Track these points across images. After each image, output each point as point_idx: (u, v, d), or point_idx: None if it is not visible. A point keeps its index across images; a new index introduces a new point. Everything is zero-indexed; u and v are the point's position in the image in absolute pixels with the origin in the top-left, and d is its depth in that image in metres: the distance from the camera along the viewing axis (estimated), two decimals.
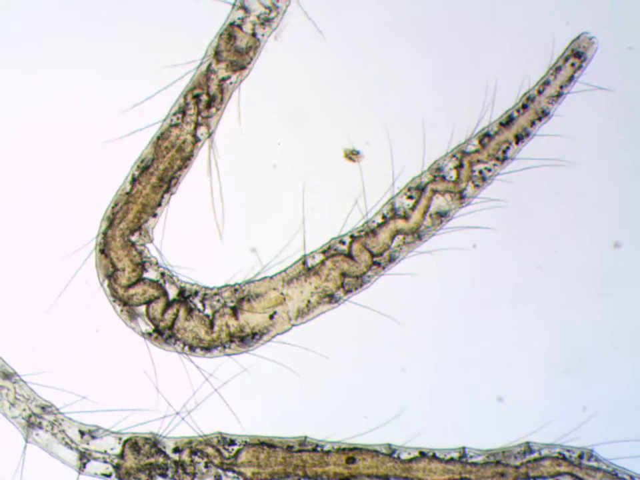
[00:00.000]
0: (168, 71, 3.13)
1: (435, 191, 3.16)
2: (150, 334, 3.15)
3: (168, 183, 3.14)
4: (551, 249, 3.25)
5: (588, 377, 3.25)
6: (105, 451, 3.12)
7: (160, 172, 3.13)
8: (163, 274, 3.16)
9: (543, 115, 3.17)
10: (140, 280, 3.14)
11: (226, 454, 3.12)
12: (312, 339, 3.20)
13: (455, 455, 3.14)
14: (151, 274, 3.16)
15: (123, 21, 3.19)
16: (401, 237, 3.16)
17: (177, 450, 3.13)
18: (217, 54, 3.12)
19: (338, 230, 3.19)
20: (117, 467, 3.12)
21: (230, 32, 3.11)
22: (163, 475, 3.14)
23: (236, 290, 3.18)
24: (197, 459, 3.13)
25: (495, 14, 3.24)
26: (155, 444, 3.12)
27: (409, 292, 3.21)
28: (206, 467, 3.13)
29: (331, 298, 3.18)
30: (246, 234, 3.19)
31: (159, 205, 3.15)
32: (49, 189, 3.20)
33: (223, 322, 3.16)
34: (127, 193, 3.14)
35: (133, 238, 3.14)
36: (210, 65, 3.12)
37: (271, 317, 3.17)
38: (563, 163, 3.19)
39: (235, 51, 3.11)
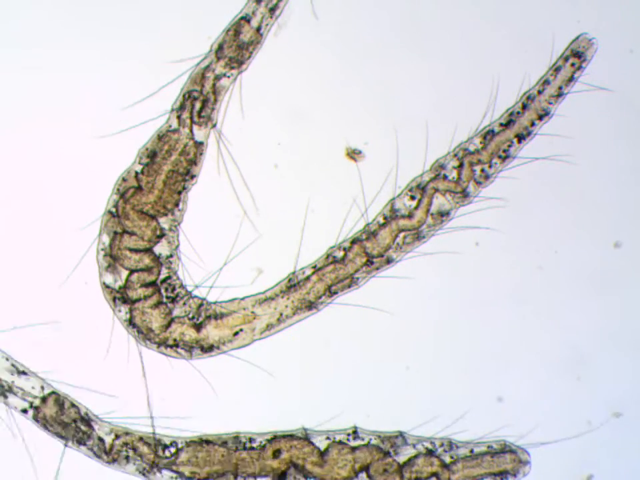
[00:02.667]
0: (171, 66, 3.13)
1: (436, 189, 3.16)
2: (110, 288, 3.13)
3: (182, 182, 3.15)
4: (551, 248, 3.25)
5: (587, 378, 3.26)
6: (29, 392, 3.11)
7: (165, 172, 3.13)
8: (171, 255, 3.15)
9: (544, 114, 3.17)
10: (146, 250, 3.13)
11: (162, 454, 3.11)
12: (308, 340, 3.21)
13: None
14: (162, 248, 3.14)
15: (127, 16, 3.20)
16: (402, 235, 3.16)
17: (110, 433, 3.12)
18: (219, 49, 3.12)
19: (338, 231, 3.19)
20: (35, 409, 3.10)
21: (237, 27, 3.11)
22: (81, 442, 3.12)
23: (201, 305, 3.17)
24: (125, 449, 3.12)
25: (496, 14, 3.25)
26: (79, 413, 3.11)
27: (409, 292, 3.21)
28: (132, 458, 3.12)
29: (311, 305, 3.18)
30: (246, 237, 3.19)
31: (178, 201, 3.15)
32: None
33: (180, 329, 3.15)
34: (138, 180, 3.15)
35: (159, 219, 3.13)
36: (210, 63, 3.13)
37: (235, 334, 3.17)
38: (564, 163, 3.19)
39: (237, 46, 3.11)
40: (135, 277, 3.12)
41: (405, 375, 3.23)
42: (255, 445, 3.13)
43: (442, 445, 3.15)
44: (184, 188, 3.14)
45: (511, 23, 3.25)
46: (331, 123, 3.23)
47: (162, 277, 3.15)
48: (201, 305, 3.17)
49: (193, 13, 3.19)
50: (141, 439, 3.13)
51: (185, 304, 3.16)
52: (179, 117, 3.13)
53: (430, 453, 3.14)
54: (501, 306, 3.24)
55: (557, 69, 3.18)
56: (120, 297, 3.13)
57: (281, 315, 3.18)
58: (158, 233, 3.12)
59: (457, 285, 3.24)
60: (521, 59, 3.22)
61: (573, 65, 3.17)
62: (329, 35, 3.21)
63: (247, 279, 3.19)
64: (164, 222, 3.13)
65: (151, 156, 3.13)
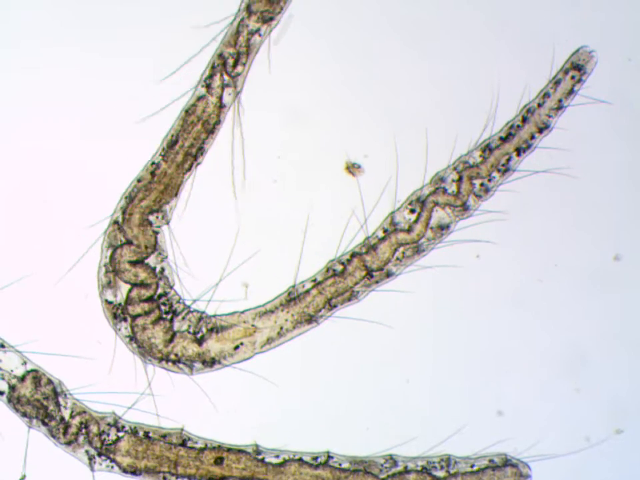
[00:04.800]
0: (201, 32, 3.13)
1: (435, 203, 3.16)
2: (111, 303, 3.13)
3: (194, 157, 3.14)
4: (551, 261, 3.25)
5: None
6: (11, 370, 3.10)
7: (186, 148, 3.14)
8: (163, 269, 3.16)
9: (544, 127, 3.17)
10: (141, 261, 3.13)
11: (106, 438, 3.10)
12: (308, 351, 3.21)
13: (322, 459, 3.14)
14: (152, 261, 3.15)
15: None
16: (402, 249, 3.16)
17: (71, 413, 3.11)
18: (250, 5, 3.12)
19: (337, 245, 3.19)
20: (12, 388, 3.10)
21: None
22: (44, 423, 3.11)
23: (201, 318, 3.17)
24: (83, 429, 3.11)
25: (495, 28, 3.25)
26: (54, 390, 3.10)
27: (409, 305, 3.21)
28: (84, 441, 3.11)
29: (311, 319, 3.18)
30: (245, 251, 3.19)
31: (182, 184, 3.15)
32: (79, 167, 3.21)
33: (182, 343, 3.15)
34: (152, 172, 3.14)
35: (152, 218, 3.14)
36: (242, 19, 3.13)
37: (236, 348, 3.17)
38: (563, 176, 3.19)
39: (267, 1, 3.11)
40: (135, 292, 3.13)
41: (405, 387, 3.23)
42: (196, 446, 3.13)
43: (441, 461, 3.15)
44: (190, 168, 3.14)
45: (510, 36, 3.25)
46: (330, 134, 3.23)
47: (159, 291, 3.15)
48: (200, 319, 3.17)
49: None
50: (96, 421, 3.11)
51: (184, 318, 3.16)
52: (207, 85, 3.13)
53: (424, 470, 3.14)
54: (501, 318, 3.24)
55: (556, 82, 3.18)
56: (121, 312, 3.13)
57: (281, 328, 3.18)
58: (151, 242, 3.13)
59: (456, 298, 3.23)
60: (520, 72, 3.22)
61: (572, 77, 3.17)
62: (329, 49, 3.21)
63: (243, 294, 3.19)
64: (155, 220, 3.14)
65: (173, 140, 3.14)
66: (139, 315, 3.13)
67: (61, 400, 3.11)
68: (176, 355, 3.15)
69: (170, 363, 3.16)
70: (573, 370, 3.24)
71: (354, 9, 3.23)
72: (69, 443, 3.11)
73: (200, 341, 3.16)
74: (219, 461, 3.12)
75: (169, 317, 3.16)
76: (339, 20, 3.23)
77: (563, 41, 3.20)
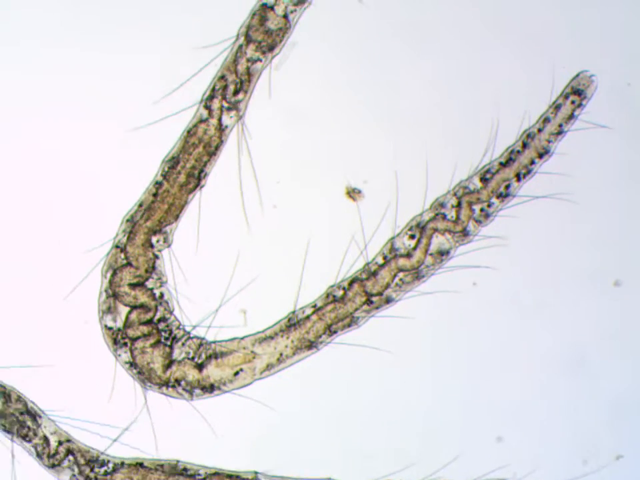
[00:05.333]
0: (200, 52, 3.12)
1: (435, 229, 3.16)
2: (111, 329, 3.13)
3: (197, 179, 3.14)
4: (551, 287, 3.25)
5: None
6: None
7: (188, 169, 3.13)
8: (162, 294, 3.15)
9: (544, 152, 3.17)
10: (141, 285, 3.13)
11: (99, 471, 3.10)
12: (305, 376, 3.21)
13: None
14: (151, 285, 3.15)
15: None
16: (401, 275, 3.16)
17: (58, 441, 3.10)
18: (248, 34, 3.11)
19: (337, 270, 3.18)
20: None
21: (262, 13, 3.11)
22: (25, 438, 3.10)
23: (201, 344, 3.16)
24: (69, 457, 3.11)
25: (495, 53, 3.25)
26: (27, 409, 3.10)
27: (409, 331, 3.21)
28: (69, 467, 3.10)
29: (311, 345, 3.17)
30: (244, 276, 3.19)
31: (185, 205, 3.14)
32: (74, 183, 3.20)
33: (182, 369, 3.15)
34: (154, 194, 3.14)
35: (154, 239, 3.13)
36: (240, 46, 3.12)
37: (236, 374, 3.16)
38: (564, 201, 3.19)
39: (265, 31, 3.10)
40: (134, 314, 3.12)
41: (405, 413, 3.23)
42: (194, 474, 3.12)
43: None
44: (195, 188, 3.14)
45: (510, 60, 3.25)
46: (330, 159, 3.23)
47: (158, 315, 3.14)
48: (200, 345, 3.17)
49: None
50: (82, 451, 3.11)
51: (183, 344, 3.16)
52: (208, 107, 3.13)
53: None
54: (501, 345, 3.24)
55: (557, 107, 3.17)
56: (121, 337, 3.12)
57: (281, 354, 3.17)
58: (150, 264, 3.12)
59: (456, 324, 3.23)
60: (520, 96, 3.22)
61: (573, 102, 3.17)
62: (326, 78, 3.22)
63: (242, 320, 3.18)
64: (156, 243, 3.13)
65: (174, 161, 3.14)
66: (138, 338, 3.12)
67: (37, 419, 3.10)
68: (175, 380, 3.15)
69: (169, 389, 3.16)
70: (575, 407, 3.25)
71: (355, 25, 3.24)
72: (52, 466, 3.10)
73: (200, 367, 3.15)
74: None
75: (169, 342, 3.15)
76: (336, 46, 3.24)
77: (563, 65, 3.20)
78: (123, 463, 3.12)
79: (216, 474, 3.13)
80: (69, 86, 3.18)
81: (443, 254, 3.17)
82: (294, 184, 3.22)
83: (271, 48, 3.12)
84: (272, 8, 3.12)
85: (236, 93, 3.12)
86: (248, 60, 3.12)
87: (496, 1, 3.24)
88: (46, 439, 3.10)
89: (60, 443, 3.10)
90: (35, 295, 3.16)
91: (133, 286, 3.13)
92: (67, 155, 3.20)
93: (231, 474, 3.14)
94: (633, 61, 3.26)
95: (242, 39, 3.12)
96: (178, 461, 3.14)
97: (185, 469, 3.12)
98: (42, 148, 3.20)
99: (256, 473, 3.16)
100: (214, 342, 3.17)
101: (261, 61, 3.13)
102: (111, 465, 3.11)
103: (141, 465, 3.12)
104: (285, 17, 3.12)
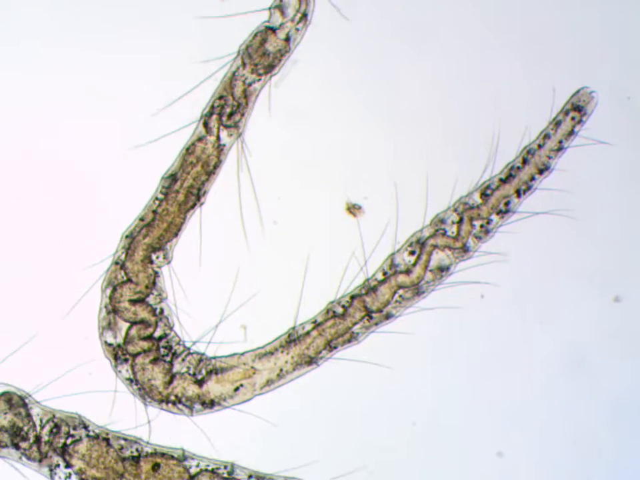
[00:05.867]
0: (200, 53, 3.13)
1: (435, 246, 3.16)
2: (111, 345, 3.13)
3: (196, 197, 3.14)
4: (552, 303, 3.25)
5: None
6: None
7: (186, 188, 3.14)
8: (162, 310, 3.16)
9: (544, 168, 3.17)
10: (141, 300, 3.14)
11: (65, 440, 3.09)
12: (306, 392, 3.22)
13: None
14: (151, 301, 3.15)
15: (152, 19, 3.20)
16: (401, 291, 3.16)
17: (41, 423, 3.10)
18: (247, 55, 3.12)
19: (337, 286, 3.19)
20: None
21: (263, 35, 3.12)
22: (16, 446, 3.11)
23: (201, 360, 3.17)
24: (54, 438, 3.10)
25: (496, 69, 3.25)
26: (25, 406, 3.09)
27: (409, 347, 3.21)
28: (52, 452, 3.10)
29: (311, 360, 3.18)
30: (244, 292, 3.19)
31: (184, 223, 3.15)
32: (72, 195, 3.20)
33: (182, 385, 3.15)
34: (154, 211, 3.15)
35: (154, 256, 3.14)
36: (237, 68, 3.13)
37: (236, 390, 3.16)
38: (564, 217, 3.19)
39: (262, 54, 3.10)
40: (134, 330, 3.13)
41: (405, 429, 3.23)
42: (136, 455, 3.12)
43: None
44: (194, 205, 3.14)
45: (511, 76, 3.25)
46: (331, 175, 3.24)
47: (158, 331, 3.15)
48: (200, 361, 3.17)
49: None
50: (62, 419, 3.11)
51: (184, 360, 3.16)
52: (205, 125, 3.14)
53: None
54: (501, 360, 3.24)
55: (557, 123, 3.17)
56: (122, 353, 3.13)
57: (281, 370, 3.17)
58: (150, 280, 3.13)
59: (456, 340, 3.23)
60: (521, 112, 3.22)
61: (573, 118, 3.17)
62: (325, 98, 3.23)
63: (242, 335, 3.19)
64: (156, 260, 3.14)
65: (172, 179, 3.14)
66: (138, 354, 3.13)
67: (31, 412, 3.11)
68: (176, 396, 3.15)
69: (170, 404, 3.16)
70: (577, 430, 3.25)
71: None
72: (40, 460, 3.10)
73: (200, 383, 3.16)
74: (155, 467, 3.12)
75: (169, 358, 3.16)
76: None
77: (563, 82, 3.20)
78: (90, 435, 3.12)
79: (154, 453, 3.13)
80: (69, 86, 3.19)
81: (443, 270, 3.18)
82: (294, 199, 3.23)
83: (270, 69, 3.13)
84: (275, 31, 3.12)
85: (233, 114, 3.13)
86: (245, 82, 3.13)
87: (497, 3, 3.25)
88: (37, 438, 3.11)
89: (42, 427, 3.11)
90: (34, 312, 3.17)
91: (133, 302, 3.14)
92: (66, 155, 3.20)
93: (163, 452, 3.13)
94: (633, 74, 3.27)
95: (239, 61, 3.13)
96: (139, 439, 3.15)
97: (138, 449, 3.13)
98: (41, 148, 3.20)
99: (183, 449, 3.16)
100: (214, 358, 3.18)
101: (259, 81, 3.13)
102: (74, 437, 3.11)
103: (105, 439, 3.12)
104: (287, 39, 3.13)
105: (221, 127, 3.13)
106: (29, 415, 3.08)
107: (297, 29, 3.12)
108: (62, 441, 3.08)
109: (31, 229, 3.21)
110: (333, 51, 3.22)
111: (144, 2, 3.21)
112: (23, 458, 3.09)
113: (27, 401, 3.09)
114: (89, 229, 3.21)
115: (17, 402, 3.09)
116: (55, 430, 3.08)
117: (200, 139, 3.15)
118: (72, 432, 3.09)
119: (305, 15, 3.11)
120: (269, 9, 3.12)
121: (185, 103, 3.15)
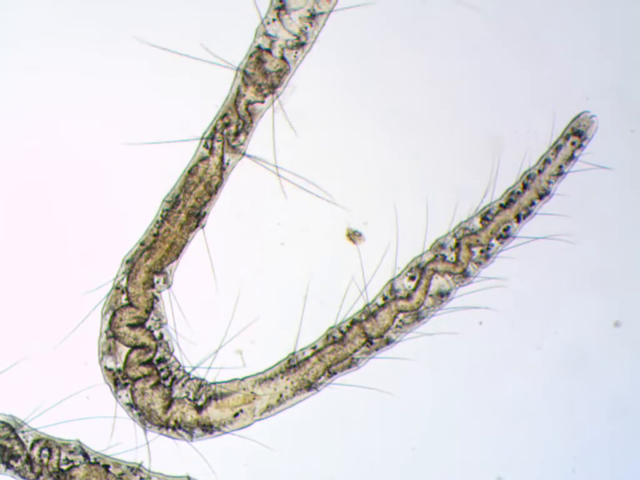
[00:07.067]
0: (199, 52, 3.12)
1: (434, 271, 3.16)
2: (111, 370, 3.14)
3: (197, 218, 3.14)
4: (551, 329, 3.25)
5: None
6: None
7: (188, 208, 3.13)
8: (162, 335, 3.16)
9: (544, 193, 3.17)
10: (141, 325, 3.14)
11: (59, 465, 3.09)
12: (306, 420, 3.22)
13: None
14: (150, 325, 3.15)
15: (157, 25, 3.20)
16: (401, 316, 3.16)
17: (34, 443, 3.10)
18: (246, 75, 3.11)
19: (337, 312, 3.19)
20: None
21: (259, 55, 3.11)
22: (8, 465, 3.10)
23: (201, 385, 3.17)
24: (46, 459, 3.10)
25: (495, 94, 3.25)
26: (13, 429, 3.09)
27: (409, 372, 3.21)
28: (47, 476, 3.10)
29: (310, 386, 3.18)
30: (244, 318, 3.19)
31: (186, 244, 3.15)
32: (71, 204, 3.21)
33: (182, 410, 3.15)
34: (155, 234, 3.15)
35: (155, 279, 3.14)
36: (239, 88, 3.12)
37: (236, 415, 3.17)
38: (564, 242, 3.19)
39: (263, 73, 3.10)
40: (134, 354, 3.13)
41: (405, 455, 3.23)
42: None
43: None
44: (196, 226, 3.14)
45: (511, 101, 3.25)
46: (331, 201, 3.23)
47: (158, 356, 3.15)
48: (200, 386, 3.17)
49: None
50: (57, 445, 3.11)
51: (183, 385, 3.16)
52: (207, 146, 3.14)
53: None
54: (501, 385, 3.24)
55: (557, 148, 3.17)
56: (122, 378, 3.13)
57: (281, 395, 3.17)
58: (149, 305, 3.13)
59: (456, 365, 3.23)
60: (521, 137, 3.22)
61: (573, 143, 3.17)
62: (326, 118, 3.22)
63: (241, 361, 3.19)
64: (156, 284, 3.14)
65: (174, 200, 3.14)
66: (138, 379, 3.13)
67: (21, 436, 3.10)
68: (175, 421, 3.15)
69: (170, 430, 3.16)
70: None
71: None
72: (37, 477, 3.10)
73: (200, 408, 3.16)
74: None
75: (169, 383, 3.16)
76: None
77: (564, 106, 3.20)
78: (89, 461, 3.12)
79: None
80: (69, 86, 3.18)
81: (443, 295, 3.18)
82: (293, 224, 3.23)
83: (271, 89, 3.12)
84: (269, 51, 3.12)
85: (239, 133, 3.13)
86: (247, 102, 3.12)
87: (498, 5, 3.24)
88: (28, 457, 3.11)
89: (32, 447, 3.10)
90: (33, 337, 3.17)
91: (132, 326, 3.13)
92: (66, 155, 3.20)
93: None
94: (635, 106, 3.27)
95: (239, 81, 3.13)
96: (139, 465, 3.15)
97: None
98: (41, 149, 3.20)
99: (189, 477, 3.17)
100: (214, 383, 3.18)
101: (262, 102, 3.13)
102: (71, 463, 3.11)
103: (104, 466, 3.12)
104: (283, 59, 3.12)
105: (225, 147, 3.13)
106: (16, 437, 3.08)
107: (290, 47, 3.11)
108: (55, 465, 3.08)
109: (31, 233, 3.21)
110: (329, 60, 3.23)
111: (144, 2, 3.21)
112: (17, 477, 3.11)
113: (13, 425, 3.09)
114: (90, 230, 3.20)
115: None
116: (45, 452, 3.08)
117: (202, 160, 3.15)
118: (69, 457, 3.09)
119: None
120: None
121: (184, 102, 3.15)
